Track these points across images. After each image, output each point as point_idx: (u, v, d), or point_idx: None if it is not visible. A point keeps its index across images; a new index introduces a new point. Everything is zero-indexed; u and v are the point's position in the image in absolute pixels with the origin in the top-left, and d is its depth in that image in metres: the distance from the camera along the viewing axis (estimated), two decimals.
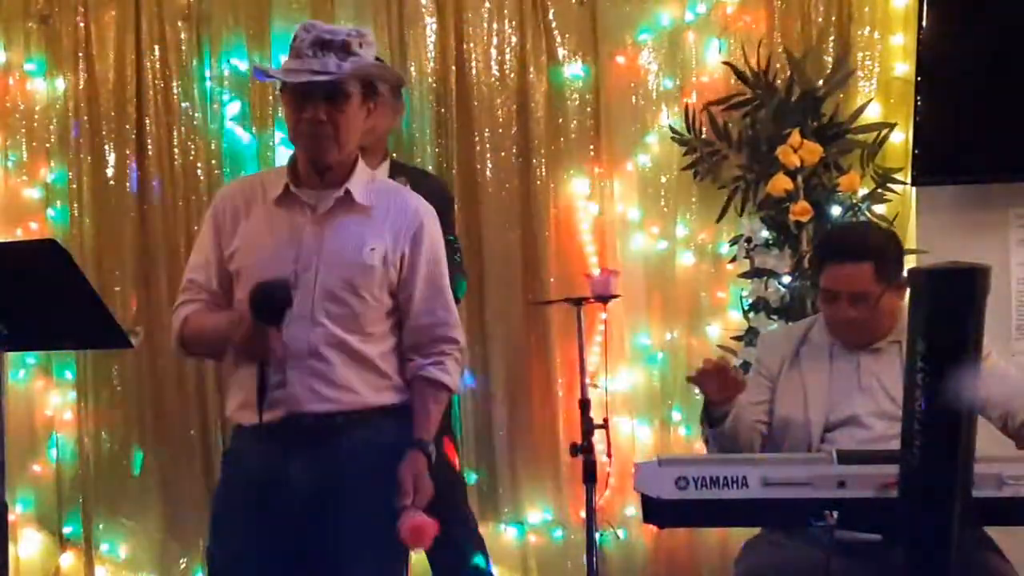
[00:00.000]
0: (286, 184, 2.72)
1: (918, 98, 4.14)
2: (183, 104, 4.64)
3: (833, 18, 4.43)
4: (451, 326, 2.81)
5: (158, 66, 4.65)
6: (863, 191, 4.27)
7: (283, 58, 2.80)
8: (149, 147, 4.66)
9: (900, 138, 4.35)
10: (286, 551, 2.70)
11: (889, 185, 4.29)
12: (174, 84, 4.64)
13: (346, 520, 2.67)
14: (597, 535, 3.74)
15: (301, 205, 2.72)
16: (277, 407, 2.65)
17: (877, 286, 3.17)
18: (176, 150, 4.63)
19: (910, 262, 3.61)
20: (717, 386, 3.08)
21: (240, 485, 2.75)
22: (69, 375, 4.65)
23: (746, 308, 4.34)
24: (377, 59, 2.96)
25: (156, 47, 4.65)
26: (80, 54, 4.67)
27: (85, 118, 4.69)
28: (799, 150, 4.19)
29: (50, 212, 4.70)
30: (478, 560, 3.91)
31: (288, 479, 2.66)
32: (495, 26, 4.58)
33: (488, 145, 4.55)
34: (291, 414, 2.66)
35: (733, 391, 3.09)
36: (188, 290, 2.80)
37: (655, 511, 2.63)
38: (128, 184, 4.64)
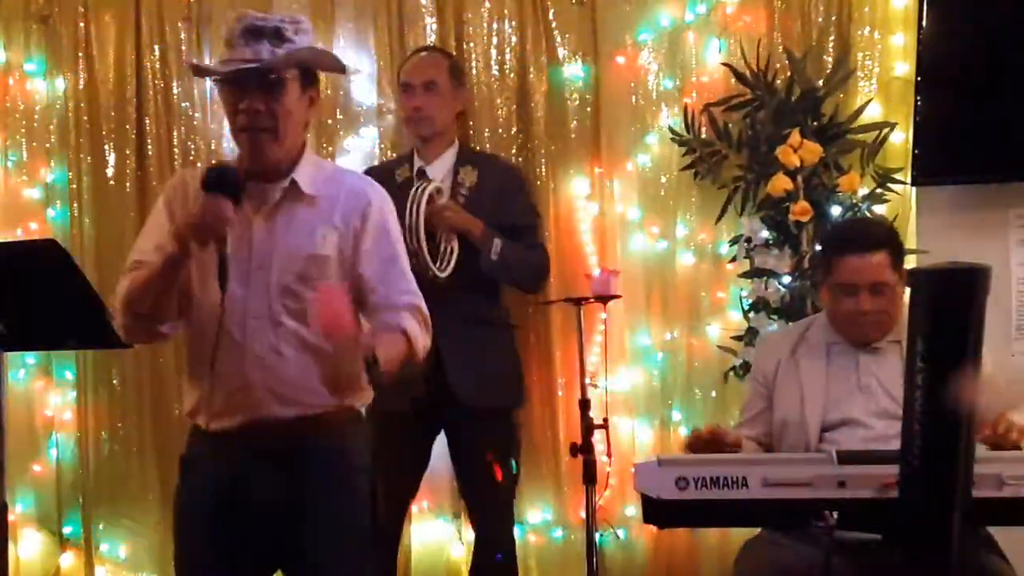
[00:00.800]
0: None
1: (918, 98, 4.14)
2: (183, 104, 4.65)
3: (833, 18, 4.43)
4: (410, 294, 2.72)
5: (158, 66, 4.66)
6: (863, 191, 4.26)
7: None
8: (149, 147, 4.66)
9: (900, 138, 4.35)
10: (253, 564, 2.65)
11: (889, 185, 4.29)
12: (174, 84, 4.64)
13: (313, 536, 2.60)
14: (597, 535, 3.74)
15: (249, 199, 2.61)
16: (237, 413, 2.58)
17: (894, 275, 3.18)
18: (176, 150, 4.63)
19: (910, 262, 3.61)
20: (711, 449, 3.06)
21: (199, 497, 2.67)
22: (69, 375, 4.65)
23: (746, 308, 4.34)
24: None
25: (156, 47, 4.65)
26: (80, 54, 4.67)
27: (85, 118, 4.69)
28: (799, 150, 4.19)
29: (50, 212, 4.71)
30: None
31: (250, 492, 2.59)
32: (495, 26, 4.58)
33: (488, 145, 4.54)
34: (252, 420, 2.58)
35: (729, 446, 3.08)
36: (134, 267, 2.65)
37: (655, 511, 2.63)
38: (128, 184, 4.63)
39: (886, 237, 3.28)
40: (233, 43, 2.57)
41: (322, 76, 4.34)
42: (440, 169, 3.92)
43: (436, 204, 3.78)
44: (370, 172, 4.06)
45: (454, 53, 4.51)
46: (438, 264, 3.74)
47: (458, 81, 4.04)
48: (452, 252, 3.79)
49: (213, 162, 2.55)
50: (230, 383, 2.58)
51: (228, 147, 4.55)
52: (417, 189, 3.75)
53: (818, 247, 4.06)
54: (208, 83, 4.59)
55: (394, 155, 4.54)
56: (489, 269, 3.81)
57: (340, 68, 2.89)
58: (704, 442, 3.02)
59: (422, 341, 2.69)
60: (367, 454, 2.74)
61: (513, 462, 3.95)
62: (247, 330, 2.56)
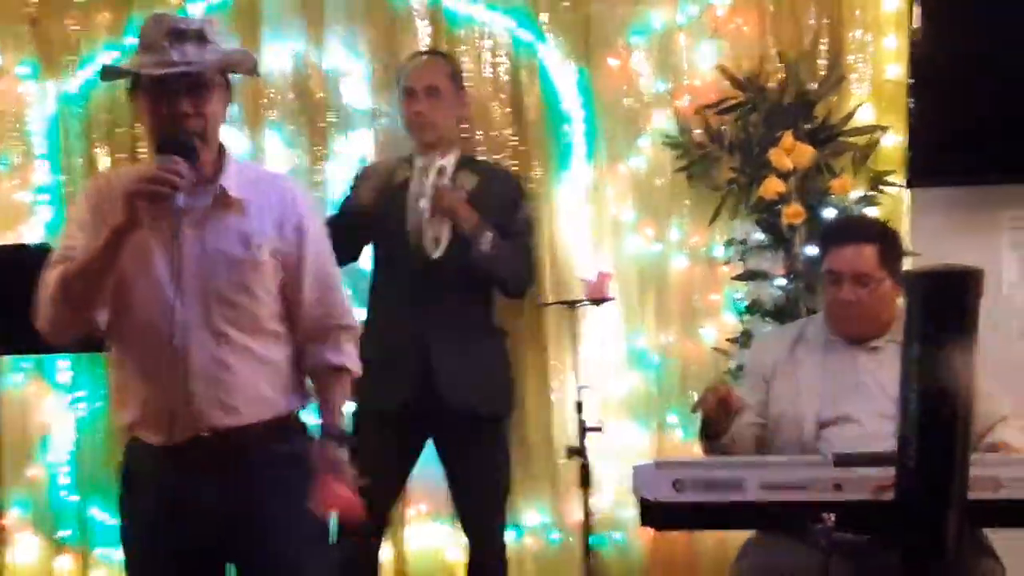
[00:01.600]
0: None
1: (911, 100, 4.16)
2: None
3: (825, 20, 4.44)
4: (345, 312, 2.72)
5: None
6: (856, 193, 4.28)
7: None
8: (141, 150, 4.65)
9: (891, 141, 4.37)
10: (204, 573, 2.64)
11: (882, 187, 4.30)
12: None
13: (264, 543, 2.58)
14: (594, 538, 3.74)
15: (176, 207, 2.48)
16: (183, 427, 2.52)
17: (880, 270, 3.21)
18: None
19: (903, 265, 3.63)
20: (718, 412, 3.09)
21: (147, 513, 2.61)
22: (64, 380, 4.64)
23: (740, 310, 4.36)
24: None
25: None
26: (71, 56, 4.64)
27: (76, 121, 4.67)
28: (791, 153, 4.21)
29: (41, 215, 4.69)
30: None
31: (199, 506, 2.54)
32: (487, 29, 4.57)
33: (483, 148, 4.55)
34: (199, 434, 2.52)
35: (735, 413, 3.10)
36: (61, 261, 2.53)
37: (652, 514, 2.64)
38: None
39: (877, 232, 3.33)
40: (155, 46, 2.49)
41: (317, 79, 4.46)
42: (434, 169, 3.86)
43: (439, 182, 3.77)
44: (368, 170, 4.08)
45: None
46: (422, 241, 3.74)
47: (459, 86, 4.03)
48: (442, 236, 3.75)
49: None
50: (174, 397, 2.51)
51: None
52: (437, 165, 3.77)
53: (814, 245, 4.08)
54: None
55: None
56: (477, 260, 3.75)
57: (256, 71, 2.84)
58: (717, 400, 3.05)
59: (357, 361, 2.74)
60: (307, 450, 2.70)
61: (504, 470, 3.95)
62: (187, 342, 2.49)
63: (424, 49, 4.34)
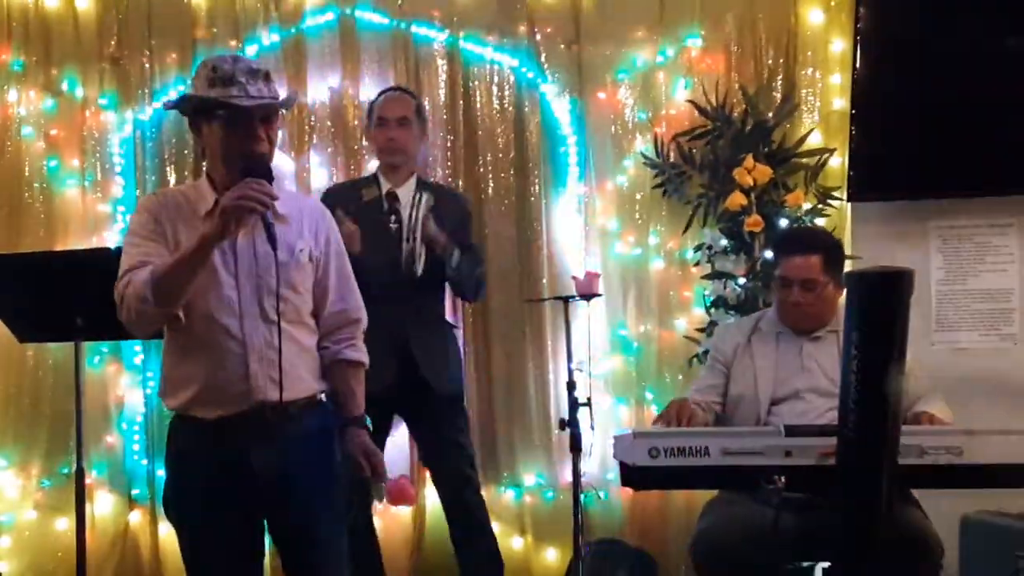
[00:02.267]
0: (216, 199, 2.49)
1: (852, 128, 4.15)
2: None
3: (781, 60, 4.44)
4: (359, 309, 2.73)
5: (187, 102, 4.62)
6: (807, 206, 4.27)
7: (199, 87, 2.53)
8: (203, 170, 4.64)
9: (838, 162, 4.36)
10: (252, 537, 2.61)
11: (829, 201, 4.29)
12: None
13: (306, 498, 2.56)
14: (582, 496, 3.73)
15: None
16: (237, 400, 2.50)
17: (824, 275, 3.21)
18: None
19: (846, 267, 3.62)
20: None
21: (200, 482, 2.55)
22: (136, 361, 4.64)
23: (708, 305, 4.34)
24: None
25: None
26: (145, 90, 4.65)
27: (149, 144, 4.67)
28: (752, 172, 4.20)
29: (119, 224, 4.68)
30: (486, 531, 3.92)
31: (249, 469, 2.51)
32: (495, 66, 4.57)
33: (490, 167, 4.54)
34: (253, 406, 2.50)
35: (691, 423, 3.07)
36: (140, 265, 2.48)
37: (631, 476, 2.64)
38: None
39: (822, 243, 3.31)
40: (234, 81, 2.46)
41: (353, 109, 4.46)
42: (406, 193, 3.79)
43: (423, 215, 3.71)
44: (335, 188, 4.06)
45: (461, 90, 4.52)
46: (414, 264, 3.69)
47: (422, 119, 3.96)
48: (421, 255, 3.69)
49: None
50: (234, 375, 2.49)
51: None
52: (418, 196, 3.72)
53: (769, 250, 4.07)
54: None
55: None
56: (450, 276, 3.75)
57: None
58: (680, 422, 3.02)
59: (366, 353, 2.75)
60: (335, 428, 2.71)
61: (468, 437, 3.93)
62: (245, 327, 2.50)
63: (395, 85, 4.25)
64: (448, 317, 4.06)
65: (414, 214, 3.69)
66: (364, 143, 4.53)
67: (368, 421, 2.76)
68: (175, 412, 2.61)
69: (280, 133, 2.71)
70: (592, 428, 3.77)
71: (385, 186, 3.82)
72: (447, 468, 3.86)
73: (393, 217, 3.73)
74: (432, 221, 3.70)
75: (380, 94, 4.01)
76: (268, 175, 2.45)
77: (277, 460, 2.52)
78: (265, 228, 2.46)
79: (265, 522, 2.63)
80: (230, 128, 2.49)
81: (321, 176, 4.57)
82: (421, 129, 3.95)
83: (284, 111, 2.64)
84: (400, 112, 3.84)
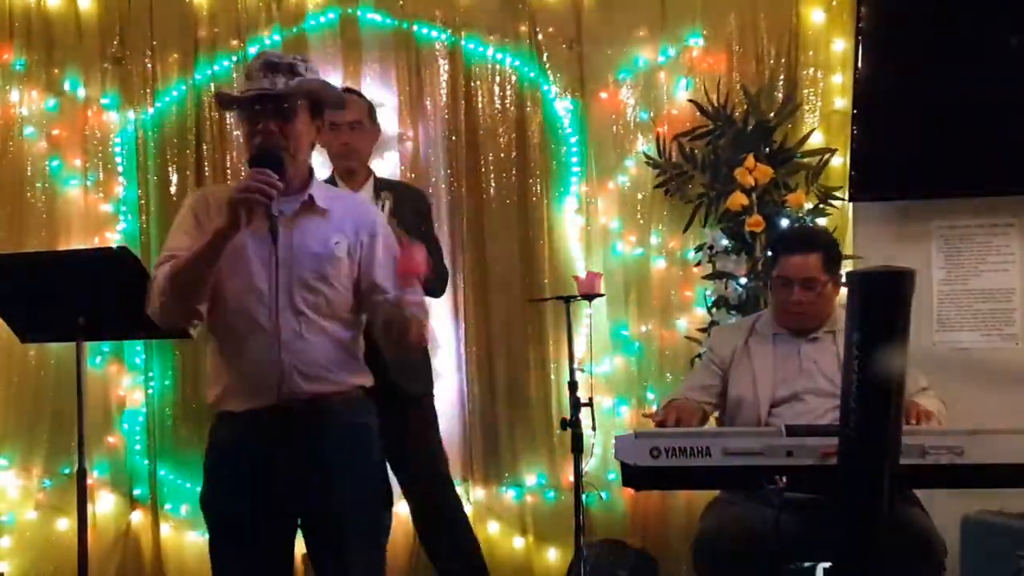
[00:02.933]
0: None
1: (854, 128, 4.14)
2: (235, 132, 4.63)
3: (783, 60, 4.43)
4: (416, 292, 2.63)
5: (214, 100, 4.63)
6: (808, 206, 4.26)
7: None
8: (206, 169, 4.65)
9: (839, 162, 4.36)
10: (282, 533, 2.59)
11: (830, 201, 4.29)
12: (227, 114, 4.62)
13: (337, 499, 2.54)
14: (584, 496, 3.73)
15: (273, 211, 2.50)
16: (267, 392, 2.50)
17: (823, 274, 3.20)
18: (229, 171, 4.61)
19: (847, 267, 3.62)
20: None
21: (234, 477, 2.57)
22: (138, 361, 4.64)
23: (709, 305, 4.34)
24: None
25: (211, 83, 4.64)
26: (148, 90, 4.65)
27: (152, 144, 4.68)
28: (753, 172, 4.19)
29: (121, 224, 4.69)
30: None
31: (279, 464, 2.51)
32: (497, 66, 4.57)
33: (492, 167, 4.54)
34: (282, 399, 2.50)
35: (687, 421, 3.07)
36: (167, 259, 2.54)
37: (632, 476, 2.64)
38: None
39: (822, 242, 3.31)
40: (252, 75, 2.54)
41: None
42: (366, 195, 3.76)
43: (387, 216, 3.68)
44: None
45: (463, 90, 4.52)
46: None
47: (373, 121, 3.91)
48: None
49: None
50: (262, 366, 2.50)
51: None
52: (379, 203, 3.62)
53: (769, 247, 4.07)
54: None
55: (413, 175, 4.53)
56: None
57: (342, 105, 2.86)
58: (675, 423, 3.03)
59: (422, 313, 2.63)
60: (377, 425, 2.69)
61: (438, 437, 3.90)
62: (276, 319, 2.50)
63: (345, 87, 4.06)
64: None
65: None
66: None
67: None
68: (214, 410, 2.63)
69: (319, 131, 2.67)
70: (593, 428, 3.77)
71: (344, 190, 3.72)
72: (422, 472, 3.83)
73: None
74: (396, 226, 3.66)
75: None
76: (275, 165, 2.45)
77: (307, 456, 2.52)
78: (268, 219, 2.45)
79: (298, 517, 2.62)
80: (242, 121, 2.59)
81: (322, 176, 4.53)
82: (374, 130, 3.92)
83: (315, 102, 2.59)
84: (352, 115, 3.77)
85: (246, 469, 2.54)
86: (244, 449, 2.55)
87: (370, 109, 3.93)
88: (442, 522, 3.86)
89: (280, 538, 2.61)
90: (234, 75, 4.61)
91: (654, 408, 4.35)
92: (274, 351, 2.49)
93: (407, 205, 3.75)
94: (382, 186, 3.79)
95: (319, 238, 2.57)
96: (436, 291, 3.89)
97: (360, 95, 4.01)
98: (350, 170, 3.80)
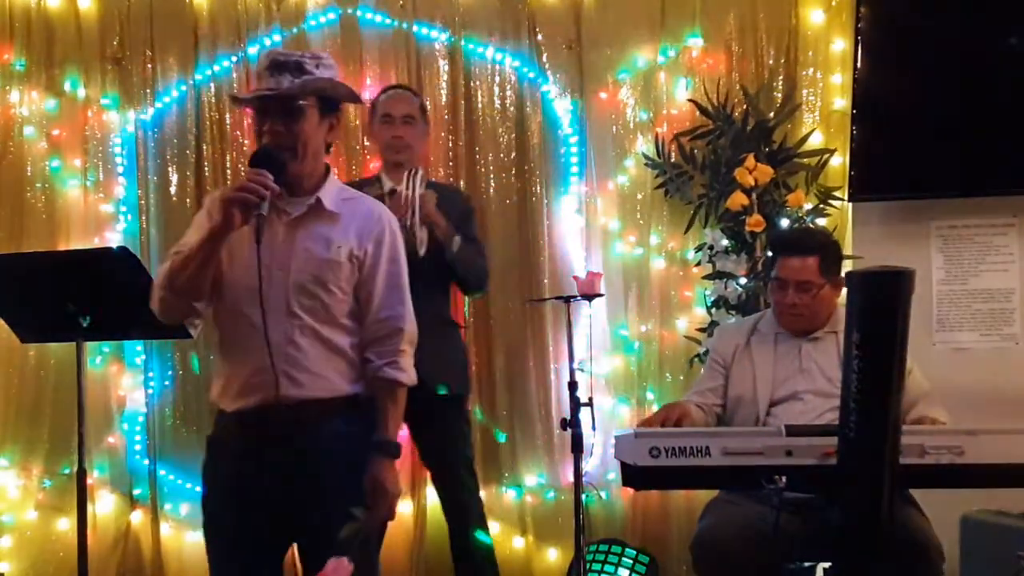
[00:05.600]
0: None
1: (854, 128, 4.14)
2: (235, 132, 4.63)
3: (782, 60, 4.44)
4: (405, 319, 2.63)
5: (213, 100, 4.64)
6: (808, 206, 4.27)
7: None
8: (206, 169, 4.65)
9: (838, 162, 4.36)
10: (272, 534, 2.56)
11: (829, 201, 4.29)
12: (227, 115, 4.63)
13: (321, 507, 2.51)
14: (583, 496, 3.73)
15: (277, 211, 2.53)
16: (256, 393, 2.49)
17: (820, 277, 3.20)
18: (228, 171, 4.61)
19: (846, 266, 3.61)
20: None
21: (223, 471, 2.58)
22: (138, 361, 4.64)
23: (709, 305, 4.34)
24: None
25: (212, 84, 4.65)
26: (147, 90, 4.65)
27: (151, 144, 4.67)
28: (753, 172, 4.19)
29: (122, 224, 4.69)
30: (481, 535, 3.87)
31: (264, 466, 2.49)
32: (497, 67, 4.57)
33: (492, 167, 4.54)
34: (269, 401, 2.48)
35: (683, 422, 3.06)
36: (174, 255, 2.54)
37: (632, 476, 2.63)
38: (187, 200, 4.62)
39: (819, 245, 3.29)
40: (260, 76, 2.53)
41: (355, 108, 4.44)
42: (407, 189, 3.70)
43: (423, 191, 3.65)
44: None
45: (463, 90, 4.52)
46: (415, 243, 3.59)
47: (426, 118, 3.94)
48: (423, 240, 3.61)
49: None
50: (251, 366, 2.49)
51: None
52: (412, 172, 3.66)
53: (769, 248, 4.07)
54: None
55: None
56: (451, 260, 3.67)
57: (356, 99, 2.81)
58: (675, 423, 3.02)
59: (412, 373, 2.64)
60: (361, 433, 2.62)
61: (468, 440, 3.89)
62: (267, 320, 2.45)
63: (398, 84, 4.24)
64: (453, 317, 4.03)
65: (410, 194, 3.61)
66: (366, 142, 4.51)
67: (398, 449, 2.64)
68: (214, 406, 2.64)
69: (332, 130, 2.64)
70: (593, 428, 3.76)
71: (387, 184, 3.77)
72: (445, 470, 3.84)
73: (410, 183, 3.65)
74: (431, 201, 3.64)
75: (383, 91, 3.98)
76: (273, 165, 2.44)
77: (295, 457, 2.50)
78: (255, 219, 2.42)
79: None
80: (253, 122, 2.58)
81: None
82: (425, 128, 3.94)
83: (300, 101, 2.52)
84: (405, 110, 3.82)
85: (234, 468, 2.54)
86: (233, 448, 2.55)
87: (422, 106, 3.95)
88: (466, 524, 3.81)
89: (268, 539, 2.58)
90: (234, 75, 4.62)
91: (655, 409, 4.37)
92: (264, 353, 2.46)
93: (451, 205, 3.75)
94: (428, 184, 3.78)
95: (322, 242, 2.54)
96: (472, 284, 3.87)
97: (414, 91, 4.03)
98: (399, 164, 3.78)
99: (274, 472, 2.49)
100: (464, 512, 3.83)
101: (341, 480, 2.55)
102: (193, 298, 2.52)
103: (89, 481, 3.73)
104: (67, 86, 4.69)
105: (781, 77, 4.43)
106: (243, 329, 2.52)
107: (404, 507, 3.94)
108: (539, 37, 4.55)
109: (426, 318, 3.67)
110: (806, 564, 3.06)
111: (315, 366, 2.51)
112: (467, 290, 3.98)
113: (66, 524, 4.57)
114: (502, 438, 4.51)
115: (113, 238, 4.64)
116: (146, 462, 4.61)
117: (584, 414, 3.71)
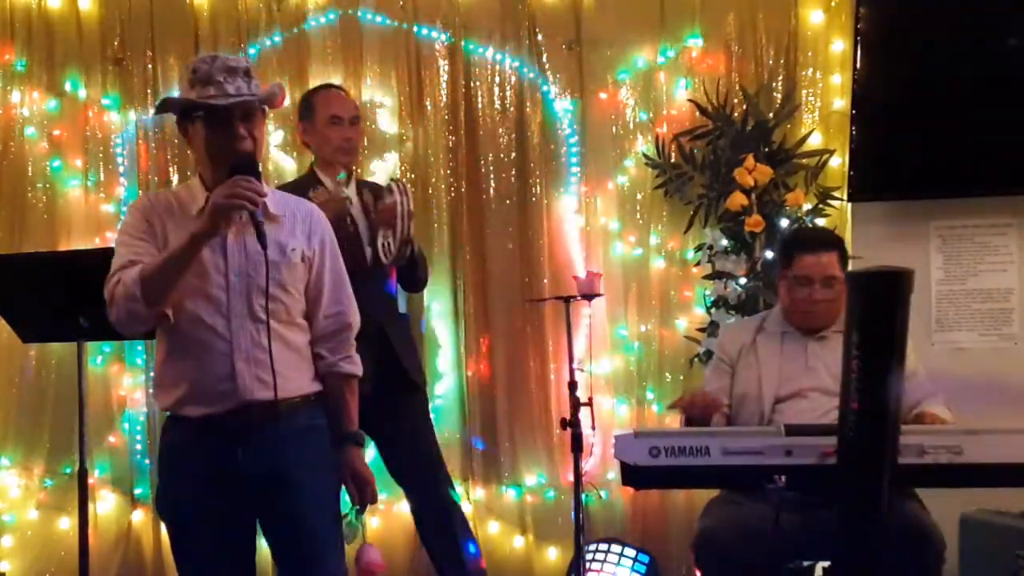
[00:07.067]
0: (207, 197, 2.48)
1: (853, 128, 4.14)
2: None
3: (781, 61, 4.44)
4: (352, 314, 2.69)
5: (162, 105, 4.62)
6: (807, 206, 4.27)
7: (183, 89, 2.58)
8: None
9: (838, 162, 4.36)
10: (243, 535, 2.58)
11: (829, 201, 4.29)
12: None
13: (296, 495, 2.53)
14: (583, 496, 3.73)
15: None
16: (224, 399, 2.48)
17: (841, 271, 3.21)
18: None
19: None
20: (701, 412, 3.07)
21: (189, 480, 2.54)
22: (139, 360, 4.64)
23: (708, 305, 4.34)
24: None
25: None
26: (148, 90, 4.65)
27: (152, 144, 4.67)
28: (753, 172, 4.20)
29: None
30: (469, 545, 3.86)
31: (237, 467, 2.49)
32: (497, 67, 4.57)
33: (492, 167, 4.54)
34: (240, 404, 2.48)
35: (713, 411, 3.08)
36: (130, 264, 2.48)
37: (632, 475, 2.63)
38: None
39: (836, 241, 3.35)
40: (211, 80, 2.47)
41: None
42: (352, 191, 3.71)
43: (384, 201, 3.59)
44: (284, 188, 3.95)
45: (463, 90, 4.52)
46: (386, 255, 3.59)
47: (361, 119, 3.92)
48: (390, 244, 3.58)
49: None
50: (219, 372, 2.48)
51: (273, 170, 4.55)
52: (399, 181, 3.62)
53: (775, 248, 4.06)
54: None
55: (413, 175, 4.52)
56: (410, 263, 3.68)
57: (282, 103, 2.77)
58: (704, 407, 3.04)
59: (360, 364, 2.70)
60: (330, 427, 2.67)
61: (432, 431, 3.90)
62: (232, 326, 2.48)
63: (331, 83, 4.12)
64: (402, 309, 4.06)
65: (404, 204, 3.54)
66: (366, 143, 4.46)
67: (365, 438, 2.71)
68: (167, 412, 2.60)
69: (279, 133, 2.68)
70: (593, 428, 3.77)
71: (330, 185, 3.67)
72: (408, 469, 3.81)
73: (348, 219, 3.60)
74: (393, 210, 3.58)
75: (321, 89, 3.89)
76: (255, 172, 2.45)
77: (265, 459, 2.50)
78: (255, 226, 2.45)
79: (257, 521, 2.61)
80: (211, 128, 2.50)
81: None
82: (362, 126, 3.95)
83: (265, 107, 2.57)
84: (352, 111, 3.78)
85: (202, 474, 2.51)
86: (200, 454, 2.52)
87: (358, 107, 3.96)
88: (453, 519, 3.81)
89: (240, 539, 2.59)
90: None
91: (654, 409, 4.37)
92: (231, 360, 2.47)
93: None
94: (362, 185, 3.80)
95: (275, 245, 2.53)
96: (421, 285, 3.92)
97: (346, 91, 4.00)
98: (344, 164, 3.75)
99: (244, 474, 2.49)
100: (453, 508, 3.81)
101: (317, 477, 2.58)
102: (166, 304, 2.49)
103: (90, 481, 3.74)
104: (68, 86, 4.69)
105: (780, 77, 4.43)
106: (205, 336, 2.49)
107: (404, 507, 3.93)
108: (539, 37, 4.55)
109: (393, 315, 3.74)
110: (806, 564, 3.07)
111: (282, 367, 2.51)
112: (416, 288, 3.98)
113: (67, 524, 4.57)
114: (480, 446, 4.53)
115: (114, 238, 4.60)
116: (147, 461, 4.61)
117: (584, 414, 3.71)
